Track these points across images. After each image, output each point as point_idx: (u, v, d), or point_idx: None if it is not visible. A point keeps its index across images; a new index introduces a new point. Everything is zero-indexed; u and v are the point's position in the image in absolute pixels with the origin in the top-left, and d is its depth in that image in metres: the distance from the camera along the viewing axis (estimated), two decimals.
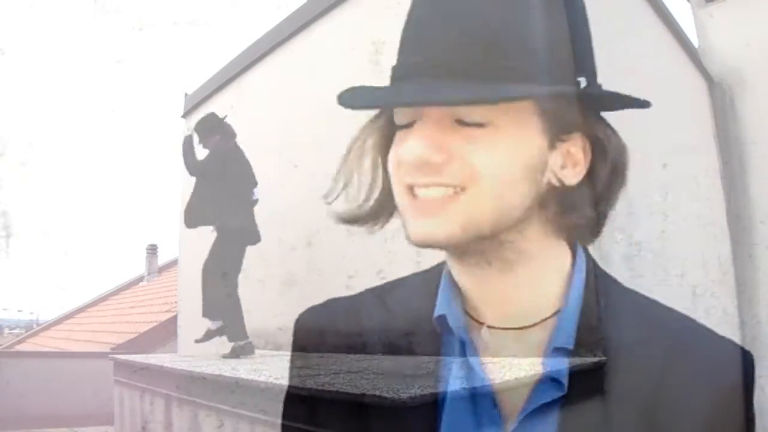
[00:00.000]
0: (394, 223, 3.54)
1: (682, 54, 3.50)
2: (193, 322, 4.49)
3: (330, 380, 2.43)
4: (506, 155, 2.17)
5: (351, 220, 2.47)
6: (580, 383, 2.29)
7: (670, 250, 3.15)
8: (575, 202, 2.27)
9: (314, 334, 2.84)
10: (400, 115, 2.22)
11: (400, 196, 2.27)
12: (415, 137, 2.17)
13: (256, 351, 4.31)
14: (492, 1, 2.28)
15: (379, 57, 3.82)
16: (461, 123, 2.12)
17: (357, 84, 4.02)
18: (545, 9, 2.30)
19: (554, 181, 2.20)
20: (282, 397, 2.42)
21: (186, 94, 6.34)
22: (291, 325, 4.34)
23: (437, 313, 2.28)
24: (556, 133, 2.19)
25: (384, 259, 3.59)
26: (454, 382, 2.27)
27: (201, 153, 4.41)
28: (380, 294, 2.68)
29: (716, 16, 3.28)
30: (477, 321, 2.23)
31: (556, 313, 2.23)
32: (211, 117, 4.26)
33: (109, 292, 13.22)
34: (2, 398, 6.46)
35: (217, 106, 5.68)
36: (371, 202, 2.40)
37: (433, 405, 1.95)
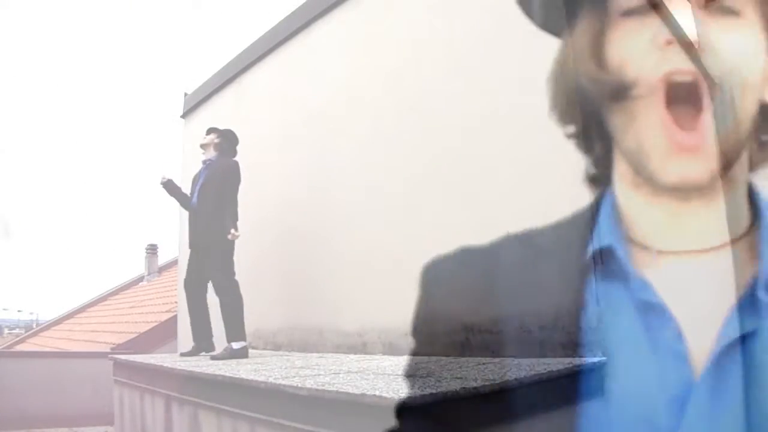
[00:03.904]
0: (393, 224, 3.54)
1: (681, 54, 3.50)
2: None
3: (330, 380, 2.43)
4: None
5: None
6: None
7: None
8: None
9: None
10: None
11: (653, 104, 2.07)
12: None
13: (257, 351, 4.31)
14: None
15: (379, 57, 3.82)
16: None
17: (356, 84, 4.04)
18: None
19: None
20: (281, 397, 2.42)
21: (186, 94, 6.35)
22: (290, 325, 4.35)
23: (601, 244, 2.12)
24: None
25: (384, 258, 3.60)
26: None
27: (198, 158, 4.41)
28: None
29: (716, 16, 3.27)
30: (644, 247, 2.11)
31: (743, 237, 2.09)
32: (235, 138, 4.33)
33: (109, 292, 13.23)
34: (2, 398, 6.46)
35: (217, 106, 5.68)
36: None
37: (433, 405, 1.94)
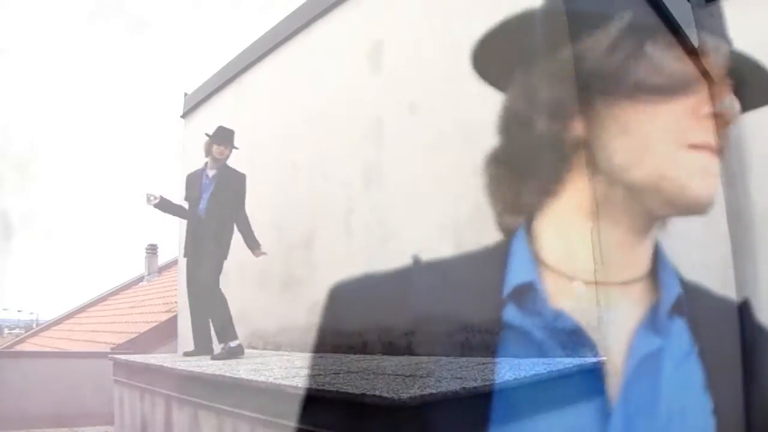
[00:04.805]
0: (393, 224, 3.54)
1: (682, 54, 3.50)
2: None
3: (330, 380, 2.43)
4: None
5: None
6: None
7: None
8: None
9: None
10: None
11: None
12: None
13: (257, 351, 4.31)
14: None
15: (379, 57, 3.82)
16: None
17: (356, 84, 4.04)
18: None
19: None
20: (281, 397, 2.41)
21: (186, 94, 6.34)
22: (290, 325, 4.35)
23: (520, 280, 2.48)
24: None
25: (383, 259, 3.60)
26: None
27: (199, 161, 4.38)
28: None
29: (716, 16, 3.28)
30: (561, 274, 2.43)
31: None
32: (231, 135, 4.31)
33: (109, 292, 13.23)
34: (2, 398, 6.46)
35: (217, 106, 5.68)
36: None
37: (433, 405, 1.94)
